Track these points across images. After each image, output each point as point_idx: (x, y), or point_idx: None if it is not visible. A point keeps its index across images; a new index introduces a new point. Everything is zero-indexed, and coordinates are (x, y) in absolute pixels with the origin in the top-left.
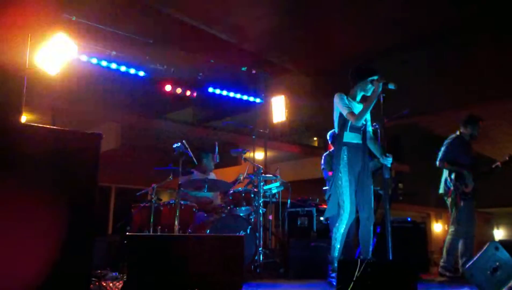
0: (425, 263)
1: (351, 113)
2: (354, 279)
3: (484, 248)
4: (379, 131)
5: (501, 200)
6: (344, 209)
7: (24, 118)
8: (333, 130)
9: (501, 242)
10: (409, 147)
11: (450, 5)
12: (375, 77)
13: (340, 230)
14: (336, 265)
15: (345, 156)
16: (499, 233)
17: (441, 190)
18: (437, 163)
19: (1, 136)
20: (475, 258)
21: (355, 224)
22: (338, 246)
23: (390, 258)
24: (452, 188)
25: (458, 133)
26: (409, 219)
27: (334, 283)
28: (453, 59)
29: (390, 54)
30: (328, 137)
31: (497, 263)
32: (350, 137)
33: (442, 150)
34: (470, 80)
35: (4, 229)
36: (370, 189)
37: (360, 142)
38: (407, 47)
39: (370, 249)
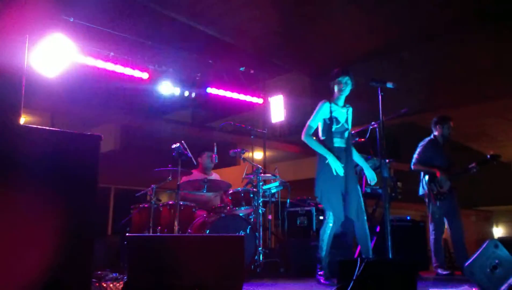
0: (424, 261)
1: (310, 128)
2: (354, 278)
3: (484, 246)
4: (377, 130)
5: (500, 198)
6: (329, 211)
7: (23, 119)
8: None
9: (501, 239)
10: (408, 146)
11: (449, 3)
12: (344, 78)
13: (326, 231)
14: (323, 264)
15: (328, 160)
16: (498, 231)
17: (420, 192)
18: (411, 166)
19: (0, 138)
20: (474, 256)
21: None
22: (325, 247)
23: (390, 256)
24: (426, 189)
25: (432, 136)
26: (408, 217)
27: (322, 281)
28: (451, 58)
29: (389, 53)
30: None
31: (497, 261)
32: (333, 141)
33: (416, 152)
34: (469, 78)
35: (2, 231)
36: (357, 189)
37: (344, 145)
38: (405, 46)
39: (370, 247)
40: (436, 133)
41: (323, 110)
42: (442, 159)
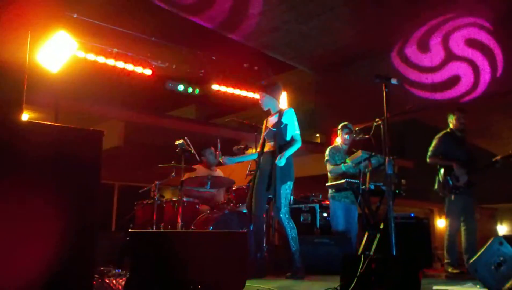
0: (428, 259)
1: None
2: (358, 274)
3: (488, 243)
4: (381, 127)
5: (505, 195)
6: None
7: (27, 116)
8: (345, 123)
9: (505, 237)
10: (413, 143)
11: None
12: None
13: None
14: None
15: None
16: (502, 228)
17: (435, 186)
18: (427, 159)
19: (2, 133)
20: (479, 254)
21: (357, 220)
22: None
23: (394, 253)
24: (442, 182)
25: (448, 129)
26: (412, 215)
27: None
28: None
29: (393, 50)
30: (341, 129)
31: (501, 258)
32: (263, 147)
33: (432, 145)
34: None
35: (5, 227)
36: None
37: (271, 149)
38: (410, 41)
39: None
40: (451, 125)
41: (263, 126)
42: (461, 153)
